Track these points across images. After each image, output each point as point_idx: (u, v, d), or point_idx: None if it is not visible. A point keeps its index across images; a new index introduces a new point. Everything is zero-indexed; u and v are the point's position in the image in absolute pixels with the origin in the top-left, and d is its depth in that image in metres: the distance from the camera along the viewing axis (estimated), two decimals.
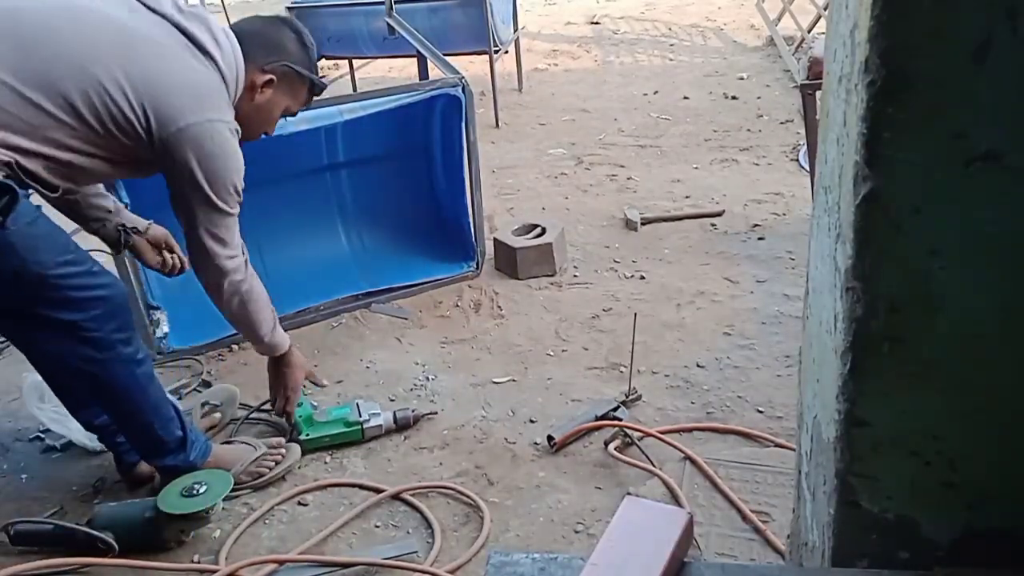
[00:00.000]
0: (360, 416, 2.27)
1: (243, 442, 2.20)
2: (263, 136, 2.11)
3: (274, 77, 1.99)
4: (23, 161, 1.67)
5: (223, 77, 1.88)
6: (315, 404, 2.34)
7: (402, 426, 2.30)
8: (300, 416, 2.26)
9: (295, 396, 2.24)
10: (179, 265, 2.25)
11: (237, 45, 1.94)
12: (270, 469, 2.13)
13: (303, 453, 2.21)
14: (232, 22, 2.05)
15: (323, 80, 2.13)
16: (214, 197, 1.87)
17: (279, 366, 2.22)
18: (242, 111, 1.96)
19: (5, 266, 1.69)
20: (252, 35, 2.00)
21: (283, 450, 2.17)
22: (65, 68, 1.69)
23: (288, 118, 2.19)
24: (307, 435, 2.24)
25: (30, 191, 1.74)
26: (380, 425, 2.27)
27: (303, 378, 2.27)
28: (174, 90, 1.80)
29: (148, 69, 1.77)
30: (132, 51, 1.77)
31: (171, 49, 1.82)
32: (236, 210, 1.96)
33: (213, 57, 1.86)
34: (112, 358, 1.86)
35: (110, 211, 2.12)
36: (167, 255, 2.24)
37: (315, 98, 2.16)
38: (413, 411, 2.32)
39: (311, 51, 2.07)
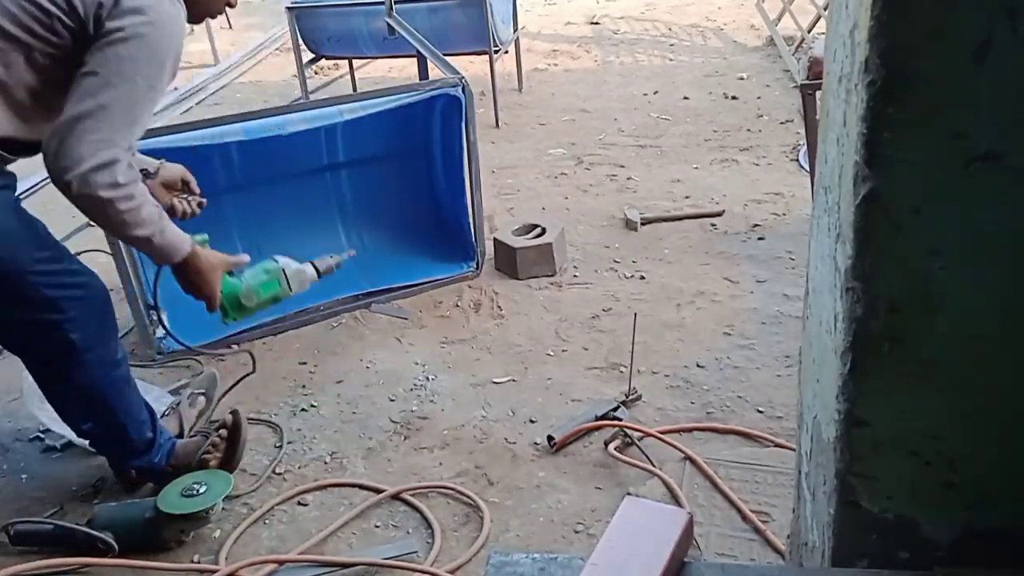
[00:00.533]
0: (288, 285, 2.10)
1: (199, 432, 2.17)
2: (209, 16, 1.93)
3: None
4: None
5: None
6: (239, 280, 2.06)
7: (324, 273, 2.15)
8: (226, 302, 2.01)
9: (213, 303, 1.94)
10: (189, 211, 2.09)
11: None
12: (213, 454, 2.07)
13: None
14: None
15: None
16: (141, 74, 1.64)
17: (184, 274, 1.87)
18: None
19: None
20: None
21: (236, 430, 2.09)
22: None
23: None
24: (234, 319, 2.06)
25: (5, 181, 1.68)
26: (301, 269, 2.11)
27: (219, 280, 1.93)
28: None
29: None
30: None
31: None
32: (151, 105, 1.70)
33: None
34: (90, 360, 1.82)
35: None
36: (176, 202, 2.06)
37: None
38: (332, 257, 2.18)
39: None
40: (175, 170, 2.07)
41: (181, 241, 1.81)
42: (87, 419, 1.96)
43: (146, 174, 1.99)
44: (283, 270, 2.11)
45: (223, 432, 2.11)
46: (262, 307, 2.11)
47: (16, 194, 1.77)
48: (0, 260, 1.66)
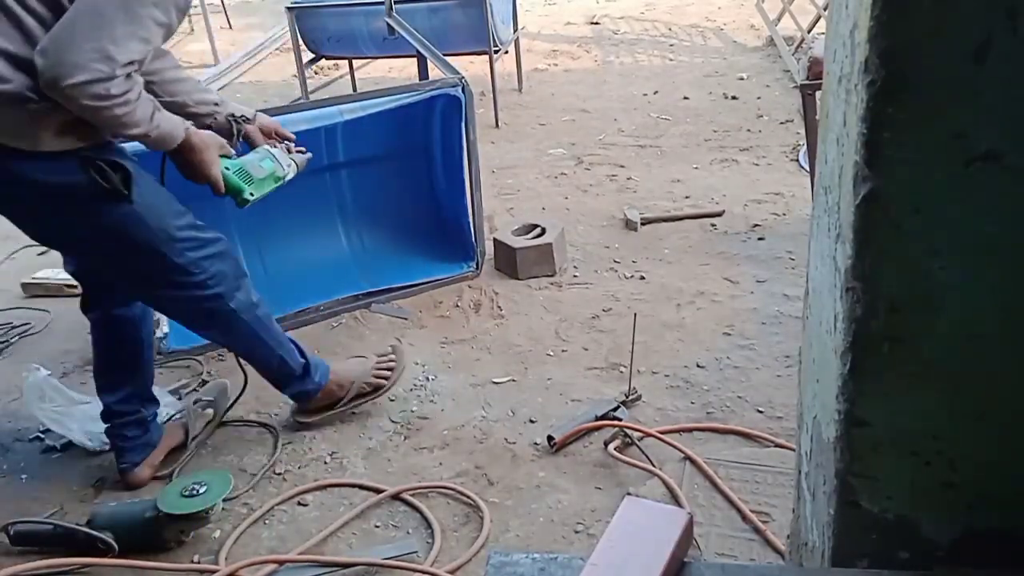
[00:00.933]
0: (281, 164, 2.09)
1: (357, 356, 2.41)
2: None
3: None
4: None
5: None
6: (231, 156, 2.01)
7: (301, 166, 2.17)
8: (236, 178, 1.96)
9: (217, 184, 1.91)
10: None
11: None
12: (386, 379, 2.32)
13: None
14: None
15: None
16: None
17: (182, 158, 1.86)
18: None
19: (139, 238, 1.79)
20: None
21: (393, 356, 2.36)
22: None
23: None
24: (251, 195, 1.99)
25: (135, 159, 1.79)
26: (282, 152, 2.12)
27: (216, 159, 1.91)
28: None
29: None
30: None
31: None
32: (159, 22, 1.67)
33: None
34: (235, 307, 2.00)
35: (217, 104, 2.07)
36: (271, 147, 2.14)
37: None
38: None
39: None
40: (269, 121, 2.20)
41: (175, 127, 1.80)
42: (245, 355, 2.18)
43: (245, 119, 2.10)
44: (269, 149, 2.11)
45: (389, 362, 2.34)
46: (267, 184, 2.05)
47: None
48: (152, 231, 1.80)
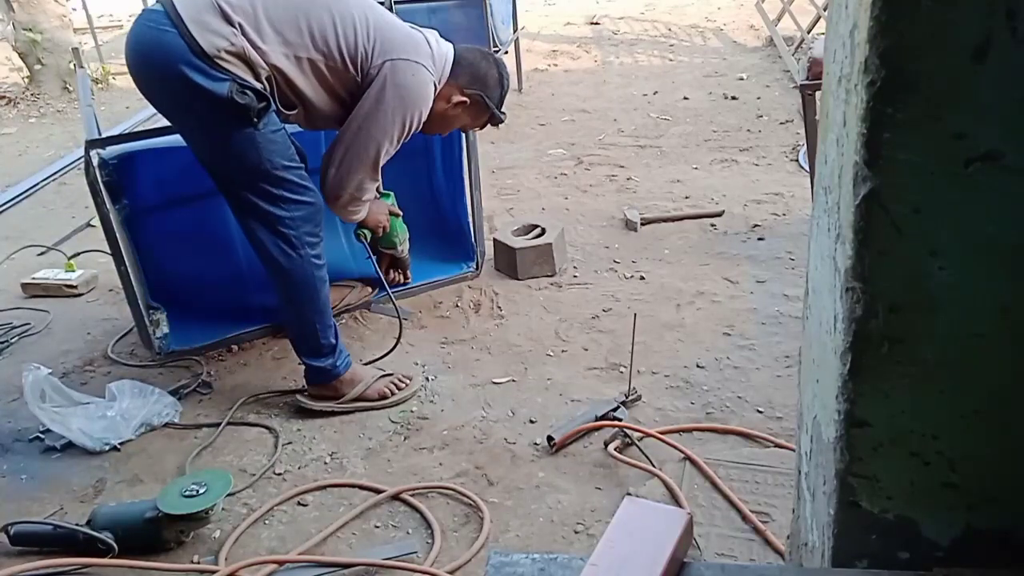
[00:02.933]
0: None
1: (382, 371, 2.51)
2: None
3: (468, 101, 2.48)
4: (276, 77, 2.18)
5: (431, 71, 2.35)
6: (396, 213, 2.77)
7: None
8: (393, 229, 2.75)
9: (382, 230, 2.73)
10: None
11: (451, 60, 2.44)
12: (392, 392, 2.42)
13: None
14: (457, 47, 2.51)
15: (503, 115, 2.59)
16: (385, 121, 2.27)
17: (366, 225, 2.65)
18: (432, 111, 2.39)
19: (246, 155, 2.15)
20: (467, 62, 2.48)
21: (408, 380, 2.47)
22: (322, 5, 2.23)
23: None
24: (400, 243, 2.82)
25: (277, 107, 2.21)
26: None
27: (384, 217, 2.71)
28: (400, 36, 2.33)
29: (386, 18, 2.35)
30: (374, 8, 2.33)
31: (403, 26, 2.40)
32: (388, 153, 2.36)
33: (432, 53, 2.37)
34: (300, 256, 2.27)
35: None
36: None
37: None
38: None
39: (504, 92, 2.57)
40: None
41: (375, 216, 2.65)
42: (288, 305, 2.35)
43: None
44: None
45: (404, 383, 2.47)
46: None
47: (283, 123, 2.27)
48: (260, 158, 2.15)
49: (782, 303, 2.84)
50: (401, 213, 2.82)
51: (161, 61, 2.09)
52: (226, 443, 2.32)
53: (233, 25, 2.10)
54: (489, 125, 2.63)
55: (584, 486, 2.06)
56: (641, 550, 0.93)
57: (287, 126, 2.28)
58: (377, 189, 2.64)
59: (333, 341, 2.38)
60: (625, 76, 6.02)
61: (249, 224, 2.27)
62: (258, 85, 2.13)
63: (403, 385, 2.45)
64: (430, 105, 2.35)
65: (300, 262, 2.28)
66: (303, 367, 2.42)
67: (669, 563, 0.92)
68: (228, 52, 2.08)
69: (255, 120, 2.11)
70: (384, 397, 2.42)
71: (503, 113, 2.56)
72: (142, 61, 2.15)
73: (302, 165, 2.27)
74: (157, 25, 2.08)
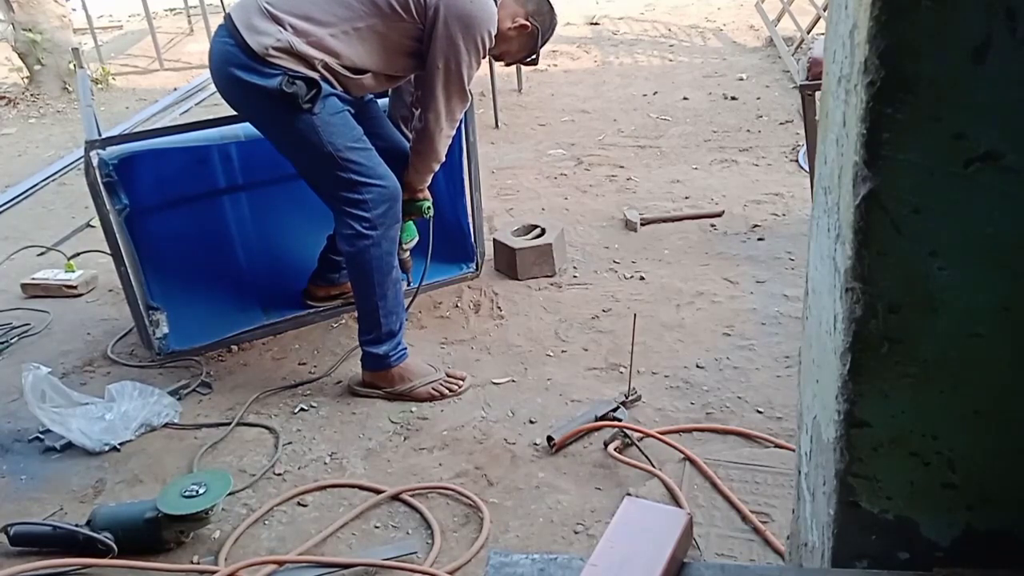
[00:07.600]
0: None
1: (431, 365, 2.53)
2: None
3: (528, 27, 2.46)
4: (330, 61, 2.23)
5: None
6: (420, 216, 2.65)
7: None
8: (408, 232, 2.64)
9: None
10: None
11: None
12: (443, 394, 2.44)
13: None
14: None
15: (538, 58, 2.59)
16: (459, 55, 2.28)
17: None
18: (498, 27, 2.38)
19: (308, 141, 2.23)
20: None
21: (462, 381, 2.48)
22: None
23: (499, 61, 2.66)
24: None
25: (337, 91, 2.28)
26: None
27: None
28: None
29: None
30: None
31: None
32: (472, 75, 2.36)
33: None
34: (374, 238, 2.32)
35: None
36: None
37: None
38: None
39: (548, 39, 2.56)
40: None
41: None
42: (354, 285, 2.41)
43: None
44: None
45: (456, 384, 2.48)
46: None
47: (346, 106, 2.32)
48: (322, 142, 2.23)
49: (782, 303, 2.84)
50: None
51: (221, 71, 2.26)
52: (226, 443, 2.32)
53: (280, 23, 2.20)
54: (523, 64, 2.67)
55: (584, 486, 2.06)
56: (641, 550, 0.93)
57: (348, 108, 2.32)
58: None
59: (394, 329, 2.42)
60: (625, 76, 6.03)
61: (331, 208, 2.36)
62: (312, 74, 2.20)
63: (455, 387, 2.47)
64: (496, 21, 2.35)
65: (367, 244, 2.32)
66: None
67: (669, 563, 0.92)
68: (276, 48, 2.18)
69: (308, 105, 2.18)
70: (433, 399, 2.43)
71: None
72: (214, 74, 2.31)
73: (370, 147, 2.32)
74: (220, 39, 2.26)
